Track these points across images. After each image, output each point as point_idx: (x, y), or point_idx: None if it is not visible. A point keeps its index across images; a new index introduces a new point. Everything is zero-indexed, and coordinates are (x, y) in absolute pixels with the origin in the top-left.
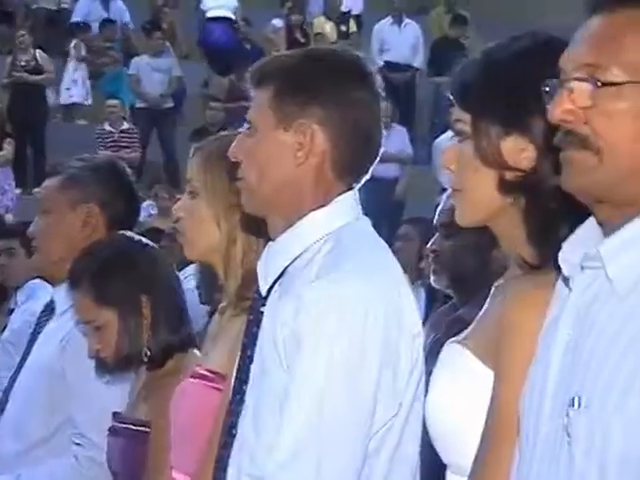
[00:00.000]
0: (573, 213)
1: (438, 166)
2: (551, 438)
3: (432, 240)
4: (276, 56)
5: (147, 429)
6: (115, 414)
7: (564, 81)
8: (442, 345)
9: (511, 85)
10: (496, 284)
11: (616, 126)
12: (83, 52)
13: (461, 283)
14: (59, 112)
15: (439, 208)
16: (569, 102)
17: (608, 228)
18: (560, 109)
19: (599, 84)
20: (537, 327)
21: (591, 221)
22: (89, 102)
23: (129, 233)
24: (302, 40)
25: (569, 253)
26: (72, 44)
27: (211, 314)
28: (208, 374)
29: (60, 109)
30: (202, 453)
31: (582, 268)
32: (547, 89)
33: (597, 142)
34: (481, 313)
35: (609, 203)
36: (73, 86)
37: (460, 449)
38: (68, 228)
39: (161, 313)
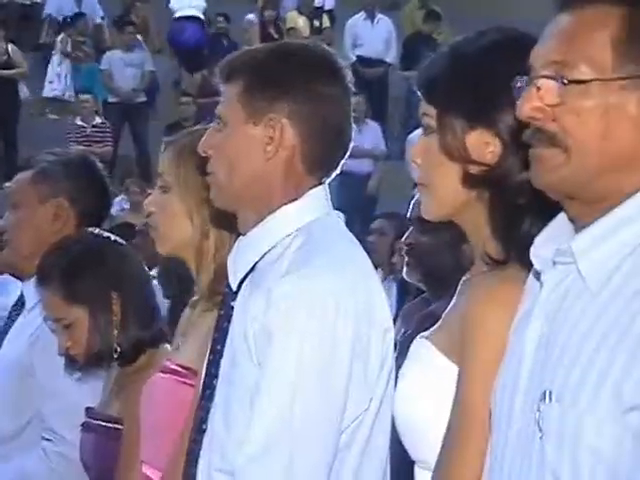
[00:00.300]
0: (542, 209)
1: (410, 162)
2: (523, 433)
3: (407, 233)
4: (245, 51)
5: (119, 425)
6: (88, 410)
7: (533, 78)
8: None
9: (477, 79)
10: (463, 279)
11: (584, 124)
12: (69, 47)
13: (435, 278)
14: (37, 106)
15: (413, 201)
16: (537, 99)
17: (579, 224)
18: (528, 106)
19: (565, 82)
20: (502, 322)
21: (563, 216)
22: (69, 96)
23: (98, 229)
24: (276, 36)
25: (541, 248)
26: (59, 38)
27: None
28: (178, 369)
29: (35, 103)
30: (173, 448)
31: (554, 263)
32: (517, 85)
33: (565, 140)
34: (448, 308)
35: (579, 200)
36: (56, 80)
37: (427, 444)
38: (38, 222)
39: (131, 309)
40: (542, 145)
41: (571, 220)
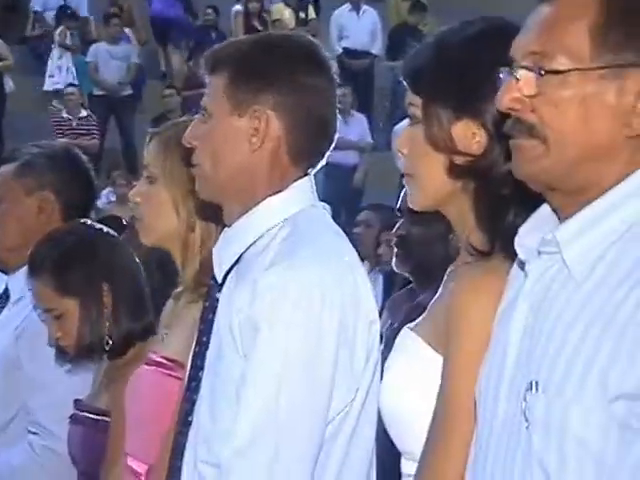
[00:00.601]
0: (526, 199)
1: (396, 153)
2: (508, 423)
3: (397, 225)
4: (230, 42)
5: (107, 418)
6: (77, 402)
7: (513, 69)
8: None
9: (463, 69)
10: (448, 270)
11: (562, 114)
12: (68, 40)
13: (426, 270)
14: (40, 100)
15: (403, 192)
16: (516, 90)
17: (563, 214)
18: (507, 97)
19: (543, 72)
20: (486, 313)
21: (547, 206)
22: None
23: (89, 221)
24: (260, 27)
25: (525, 238)
26: (57, 31)
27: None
28: (163, 361)
29: (37, 97)
30: (159, 441)
31: (539, 253)
32: (500, 76)
33: (544, 130)
34: (433, 299)
35: (560, 191)
36: (57, 73)
37: (413, 435)
38: (23, 215)
39: (122, 301)
40: (522, 136)
41: (554, 210)
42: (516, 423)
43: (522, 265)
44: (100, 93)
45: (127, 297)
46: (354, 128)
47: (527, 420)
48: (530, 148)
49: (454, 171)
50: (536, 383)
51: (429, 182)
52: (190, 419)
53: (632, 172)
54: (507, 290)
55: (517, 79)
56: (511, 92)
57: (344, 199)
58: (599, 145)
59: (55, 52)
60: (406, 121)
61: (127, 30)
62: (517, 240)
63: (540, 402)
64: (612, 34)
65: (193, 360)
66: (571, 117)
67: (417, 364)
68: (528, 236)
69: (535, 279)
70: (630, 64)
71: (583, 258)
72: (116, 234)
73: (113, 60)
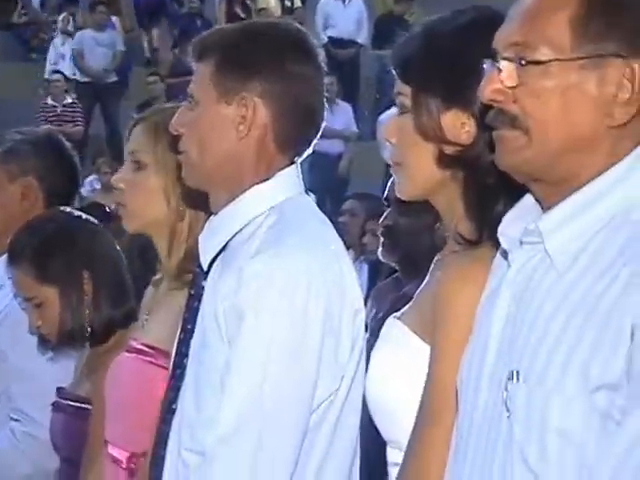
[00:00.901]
0: (516, 189)
1: (382, 142)
2: (489, 412)
3: (384, 214)
4: (218, 29)
5: (89, 406)
6: (59, 390)
7: (496, 60)
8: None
9: (453, 59)
10: (435, 259)
11: (544, 105)
12: (70, 27)
13: (412, 260)
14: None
15: (390, 181)
16: (498, 82)
17: (545, 205)
18: (489, 88)
19: (524, 63)
20: (473, 302)
21: (530, 197)
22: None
23: (69, 208)
24: (242, 15)
25: (508, 227)
26: (60, 17)
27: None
28: (144, 348)
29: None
30: (139, 428)
31: (521, 243)
32: (484, 67)
33: (526, 121)
34: (420, 288)
35: (543, 181)
36: (60, 60)
37: (399, 425)
38: (6, 202)
39: (103, 288)
40: (504, 127)
41: (537, 201)
42: (497, 413)
43: (505, 254)
44: (86, 80)
45: (108, 284)
46: (339, 117)
47: (508, 410)
48: (512, 139)
49: (443, 161)
50: (517, 373)
51: (418, 171)
52: (174, 407)
53: (614, 162)
54: (490, 279)
55: (499, 70)
56: (493, 83)
57: (329, 188)
58: (581, 135)
59: (58, 39)
60: (392, 110)
61: (113, 18)
62: (500, 229)
63: (521, 392)
64: (593, 24)
65: (178, 348)
66: (553, 108)
67: (403, 353)
68: (511, 226)
69: (517, 269)
70: (611, 54)
71: (565, 248)
72: (97, 221)
73: (99, 47)
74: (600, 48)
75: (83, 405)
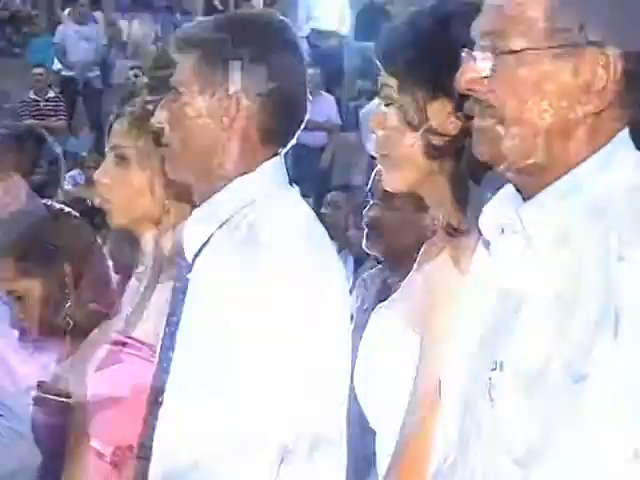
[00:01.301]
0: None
1: (365, 134)
2: (472, 401)
3: (368, 206)
4: (200, 21)
5: (71, 400)
6: (40, 384)
7: (472, 49)
8: None
9: (437, 49)
10: (423, 248)
11: (518, 94)
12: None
13: (397, 252)
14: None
15: (374, 172)
16: (474, 71)
17: (525, 194)
18: (465, 78)
19: (498, 52)
20: (462, 291)
21: (511, 186)
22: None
23: (50, 202)
24: (220, 7)
25: (489, 216)
26: (66, 12)
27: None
28: (127, 341)
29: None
30: (122, 422)
31: (503, 232)
32: (463, 56)
33: (502, 111)
34: (407, 277)
35: (522, 171)
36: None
37: (388, 414)
38: None
39: (84, 282)
40: (481, 117)
41: (518, 190)
42: (481, 402)
43: (487, 244)
44: (68, 74)
45: (89, 277)
46: (322, 108)
47: (492, 399)
48: (489, 128)
49: (430, 152)
50: (501, 363)
51: (405, 163)
52: (160, 400)
53: (595, 150)
54: (473, 268)
55: (475, 59)
56: (469, 72)
57: (312, 180)
58: (557, 124)
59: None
60: (375, 102)
61: (98, 13)
62: (481, 219)
63: (504, 381)
64: (567, 13)
65: (163, 340)
66: (527, 97)
67: (392, 343)
68: (492, 214)
69: (499, 257)
70: (585, 43)
71: (547, 236)
72: (79, 215)
73: (81, 41)
74: (574, 37)
75: (65, 399)
